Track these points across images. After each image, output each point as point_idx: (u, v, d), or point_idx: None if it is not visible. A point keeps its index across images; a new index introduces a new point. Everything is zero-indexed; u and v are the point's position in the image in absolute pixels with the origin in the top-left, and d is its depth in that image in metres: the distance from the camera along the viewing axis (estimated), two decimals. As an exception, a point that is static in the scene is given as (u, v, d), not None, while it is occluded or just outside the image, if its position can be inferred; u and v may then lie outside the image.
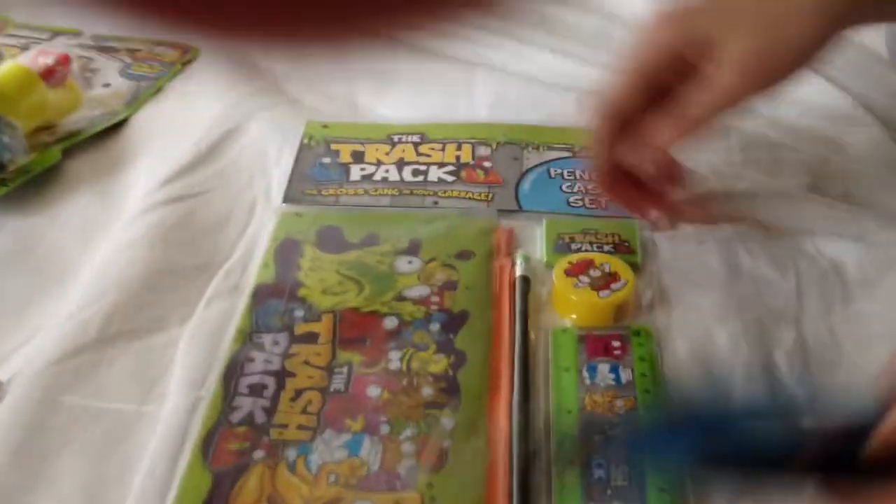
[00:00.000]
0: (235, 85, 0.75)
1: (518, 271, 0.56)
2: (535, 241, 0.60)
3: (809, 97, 0.69)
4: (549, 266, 0.56)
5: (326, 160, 0.67)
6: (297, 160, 0.67)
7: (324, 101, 0.76)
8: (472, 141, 0.68)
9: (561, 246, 0.58)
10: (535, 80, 0.76)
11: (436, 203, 0.62)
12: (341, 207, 0.62)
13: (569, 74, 0.76)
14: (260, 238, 0.60)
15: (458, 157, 0.67)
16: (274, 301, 0.54)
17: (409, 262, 0.57)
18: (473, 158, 0.67)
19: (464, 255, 0.57)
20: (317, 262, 0.57)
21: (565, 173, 0.65)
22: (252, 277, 0.56)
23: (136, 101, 0.75)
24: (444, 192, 0.63)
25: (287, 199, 0.63)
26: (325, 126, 0.70)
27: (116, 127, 0.72)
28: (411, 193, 0.63)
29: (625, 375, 0.49)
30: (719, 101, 0.51)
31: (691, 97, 0.51)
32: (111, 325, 0.53)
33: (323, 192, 0.63)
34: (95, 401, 0.49)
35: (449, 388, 0.48)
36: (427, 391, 0.48)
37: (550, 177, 0.65)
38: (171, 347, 0.52)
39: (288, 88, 0.78)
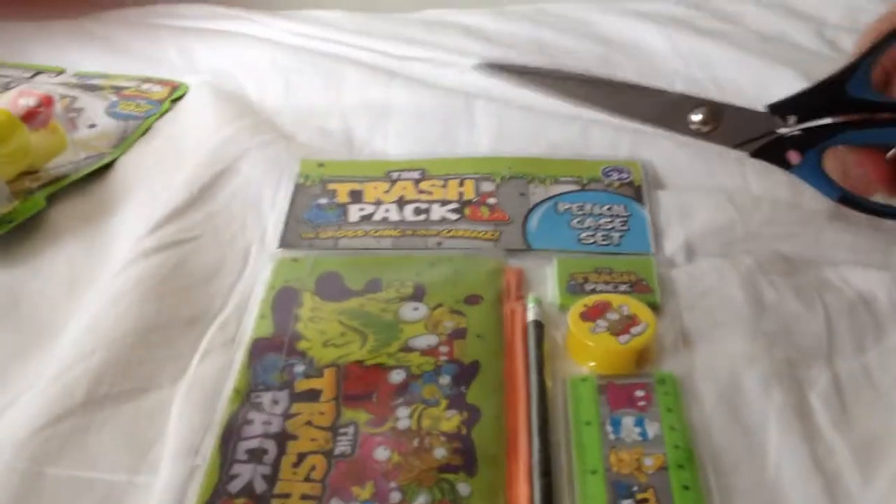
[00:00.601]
0: (226, 122, 0.72)
1: (530, 315, 0.52)
2: (547, 281, 0.56)
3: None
4: (563, 308, 0.53)
5: (323, 201, 0.63)
6: (293, 202, 0.63)
7: (318, 136, 0.73)
8: (475, 176, 0.65)
9: (574, 287, 0.54)
10: (536, 109, 0.73)
11: (440, 244, 0.59)
12: (341, 251, 0.59)
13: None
14: (256, 287, 0.57)
15: (461, 194, 0.64)
16: (272, 356, 0.51)
17: (415, 309, 0.53)
18: (477, 194, 0.64)
19: (472, 299, 0.54)
20: (317, 311, 0.53)
21: (574, 208, 0.62)
22: (248, 330, 0.53)
23: (123, 143, 0.72)
24: (448, 231, 0.60)
25: (284, 243, 0.60)
26: (320, 165, 0.67)
27: (102, 170, 0.69)
28: (414, 234, 0.60)
29: (651, 429, 0.46)
30: None
31: None
32: (100, 386, 0.49)
33: (321, 236, 0.60)
34: (83, 471, 0.45)
35: (463, 448, 0.45)
36: (440, 452, 0.45)
37: (558, 212, 0.62)
38: (163, 409, 0.49)
39: (281, 124, 0.75)
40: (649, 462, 0.44)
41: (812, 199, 0.61)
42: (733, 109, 0.54)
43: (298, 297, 0.54)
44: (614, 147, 0.69)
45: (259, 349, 0.51)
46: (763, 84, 0.77)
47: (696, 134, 0.53)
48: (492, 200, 0.63)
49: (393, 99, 0.77)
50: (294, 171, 0.66)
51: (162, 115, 0.76)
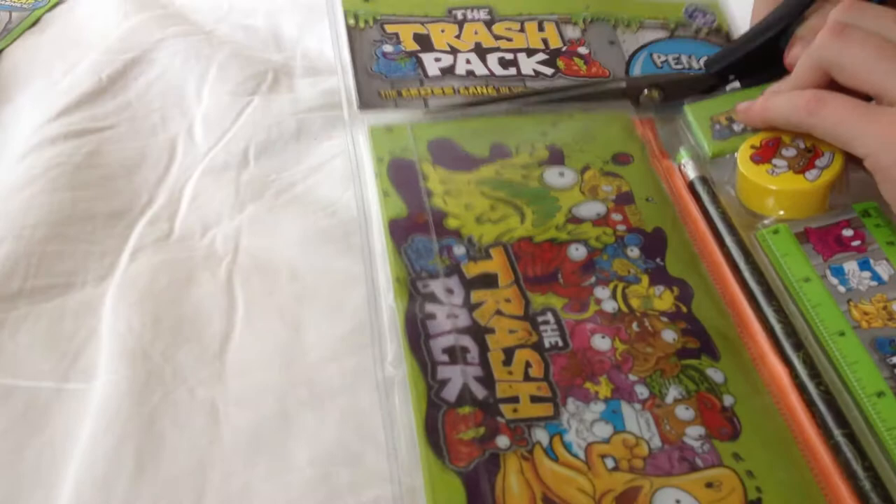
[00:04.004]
0: (131, 13, 0.64)
1: (690, 172, 0.47)
2: (681, 133, 0.51)
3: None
4: (718, 158, 0.48)
5: (388, 48, 0.55)
6: (353, 51, 0.55)
7: (242, 32, 0.64)
8: (553, 18, 0.58)
9: (721, 131, 0.48)
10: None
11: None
12: (437, 115, 0.51)
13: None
14: (189, 183, 0.51)
15: (545, 41, 0.56)
16: (421, 238, 0.44)
17: (562, 174, 0.47)
18: (564, 42, 0.56)
19: (621, 159, 0.48)
20: (448, 183, 0.46)
21: (671, 60, 0.56)
22: (374, 212, 0.46)
23: (8, 34, 0.64)
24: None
25: (363, 104, 0.51)
26: (366, 0, 0.58)
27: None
28: (511, 92, 0.53)
29: (883, 270, 0.41)
30: None
31: None
32: (11, 281, 0.44)
33: (404, 94, 0.52)
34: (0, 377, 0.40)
35: (693, 328, 0.40)
36: (670, 335, 0.40)
37: (657, 65, 0.56)
38: (91, 310, 0.43)
39: (197, 19, 0.65)
40: None
41: None
42: (677, 80, 0.53)
43: (417, 168, 0.47)
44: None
45: (400, 231, 0.44)
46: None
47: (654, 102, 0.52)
48: (583, 50, 0.56)
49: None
50: (217, 63, 0.59)
51: (52, 7, 0.68)
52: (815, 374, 0.37)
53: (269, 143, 0.53)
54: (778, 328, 0.39)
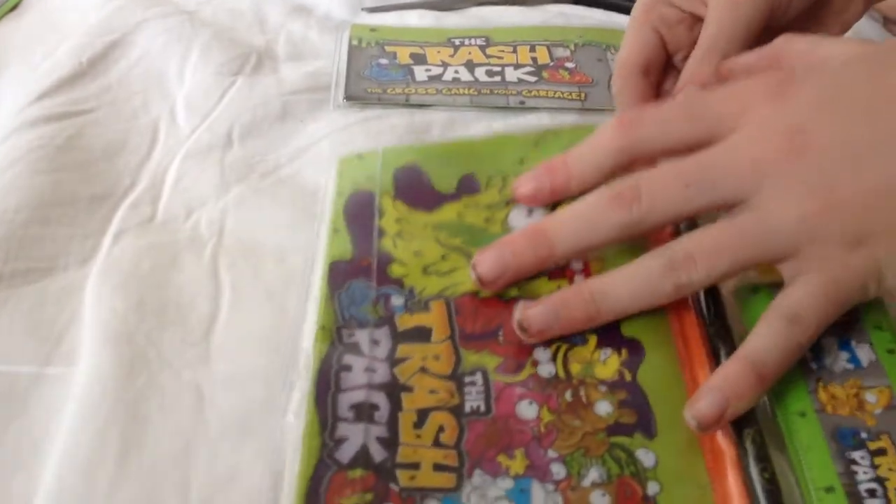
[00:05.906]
0: None
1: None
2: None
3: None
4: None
5: (384, 61, 0.57)
6: (350, 61, 0.57)
7: (227, 14, 0.63)
8: (546, 43, 0.59)
9: None
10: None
11: (522, 103, 0.53)
12: (413, 108, 0.53)
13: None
14: (172, 166, 0.50)
15: (534, 59, 0.57)
16: (360, 284, 0.40)
17: (530, 214, 0.43)
18: (552, 59, 0.57)
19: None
20: (404, 224, 0.43)
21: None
22: (320, 251, 0.43)
23: None
24: (529, 91, 0.54)
25: (348, 95, 0.54)
26: (373, 29, 0.59)
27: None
28: (491, 93, 0.54)
29: (863, 354, 0.35)
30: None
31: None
32: None
33: (389, 92, 0.54)
34: None
35: (632, 399, 0.35)
36: (604, 408, 0.35)
37: (644, 79, 0.54)
38: (73, 293, 0.42)
39: (178, 0, 0.64)
40: (872, 398, 0.34)
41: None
42: None
43: (376, 204, 0.44)
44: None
45: (339, 275, 0.41)
46: None
47: None
48: (570, 65, 0.57)
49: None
50: (201, 45, 0.58)
51: (32, -7, 0.68)
52: (762, 458, 0.32)
53: (253, 125, 0.52)
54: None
